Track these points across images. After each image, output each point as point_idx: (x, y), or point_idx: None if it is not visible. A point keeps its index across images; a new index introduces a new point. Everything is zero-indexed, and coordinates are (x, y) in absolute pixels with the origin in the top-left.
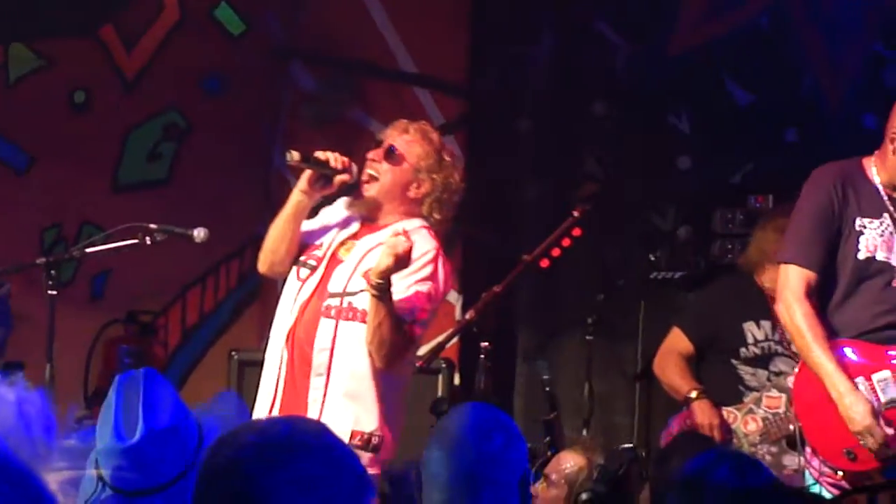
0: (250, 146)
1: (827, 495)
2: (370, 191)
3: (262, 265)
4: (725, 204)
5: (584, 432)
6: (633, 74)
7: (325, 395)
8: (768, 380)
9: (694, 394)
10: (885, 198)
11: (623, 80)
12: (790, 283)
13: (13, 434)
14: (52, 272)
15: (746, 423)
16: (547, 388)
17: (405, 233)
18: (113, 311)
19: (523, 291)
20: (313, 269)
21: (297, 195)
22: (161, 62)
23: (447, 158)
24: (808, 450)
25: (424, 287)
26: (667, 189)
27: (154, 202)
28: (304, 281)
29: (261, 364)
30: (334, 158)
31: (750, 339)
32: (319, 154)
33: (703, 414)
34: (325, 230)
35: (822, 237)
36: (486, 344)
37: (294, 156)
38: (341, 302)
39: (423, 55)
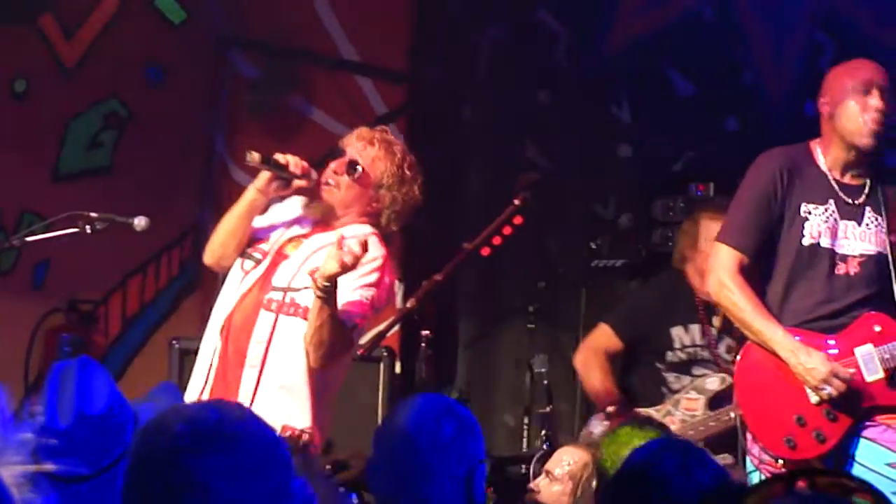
0: (191, 134)
1: None
2: (329, 197)
3: (210, 258)
4: (666, 192)
5: (525, 420)
6: (575, 63)
7: (256, 387)
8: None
9: (611, 409)
10: (832, 182)
11: (565, 69)
12: (722, 262)
13: None
14: None
15: None
16: (545, 382)
17: (362, 243)
18: (53, 300)
19: (464, 280)
20: (258, 261)
21: (253, 193)
22: (101, 51)
23: (408, 173)
24: (748, 437)
25: (368, 293)
26: (608, 177)
27: (94, 191)
28: (247, 272)
29: None
30: (294, 163)
31: (677, 344)
32: (279, 157)
33: None
34: (274, 226)
35: (761, 222)
36: (427, 332)
37: (254, 156)
38: (284, 296)
39: (365, 43)
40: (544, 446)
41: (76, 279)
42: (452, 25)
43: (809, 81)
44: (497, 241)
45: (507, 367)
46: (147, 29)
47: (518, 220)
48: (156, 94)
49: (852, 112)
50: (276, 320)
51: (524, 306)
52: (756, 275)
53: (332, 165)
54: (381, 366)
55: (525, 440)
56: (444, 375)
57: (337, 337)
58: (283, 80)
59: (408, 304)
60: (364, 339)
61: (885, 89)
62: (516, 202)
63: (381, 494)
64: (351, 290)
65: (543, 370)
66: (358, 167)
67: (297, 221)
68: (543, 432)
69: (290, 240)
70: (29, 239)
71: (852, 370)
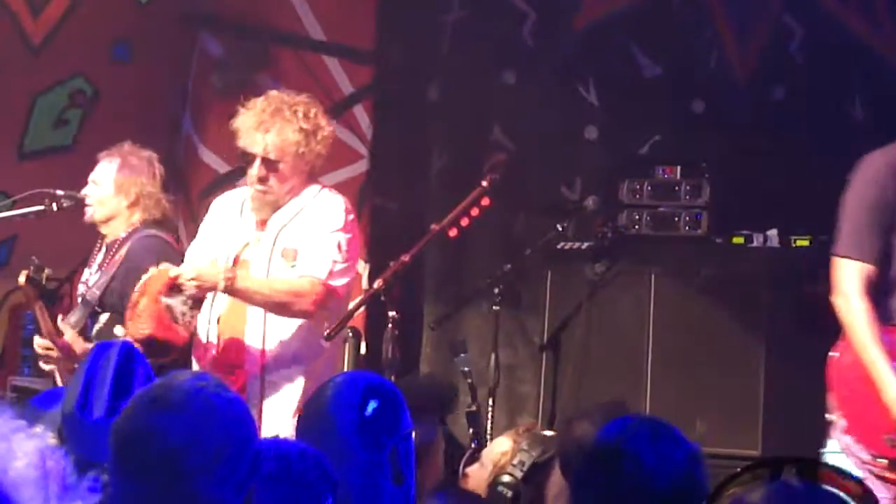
0: (158, 113)
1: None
2: (270, 199)
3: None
4: (633, 175)
5: (490, 402)
6: (542, 44)
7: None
8: None
9: None
10: None
11: (531, 50)
12: (848, 279)
13: None
14: None
15: None
16: (469, 381)
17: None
18: (18, 278)
19: (431, 261)
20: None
21: None
22: (67, 28)
23: (308, 124)
24: (849, 438)
25: (335, 241)
26: (574, 159)
27: (60, 169)
28: (212, 300)
29: None
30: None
31: None
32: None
33: None
34: (222, 238)
35: (877, 228)
36: (394, 313)
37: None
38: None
39: (331, 22)
40: (472, 444)
41: (41, 257)
42: (419, 4)
43: (778, 65)
44: (464, 222)
45: (472, 348)
46: (114, 6)
47: (485, 201)
48: (122, 72)
49: None
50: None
51: (489, 288)
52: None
53: (252, 175)
54: (347, 346)
55: (489, 422)
56: (409, 356)
57: (277, 307)
58: (250, 59)
59: (375, 285)
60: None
61: None
62: (484, 183)
63: None
64: (320, 244)
65: (467, 369)
66: (274, 163)
67: (236, 225)
68: (471, 430)
69: (245, 247)
70: None
71: None
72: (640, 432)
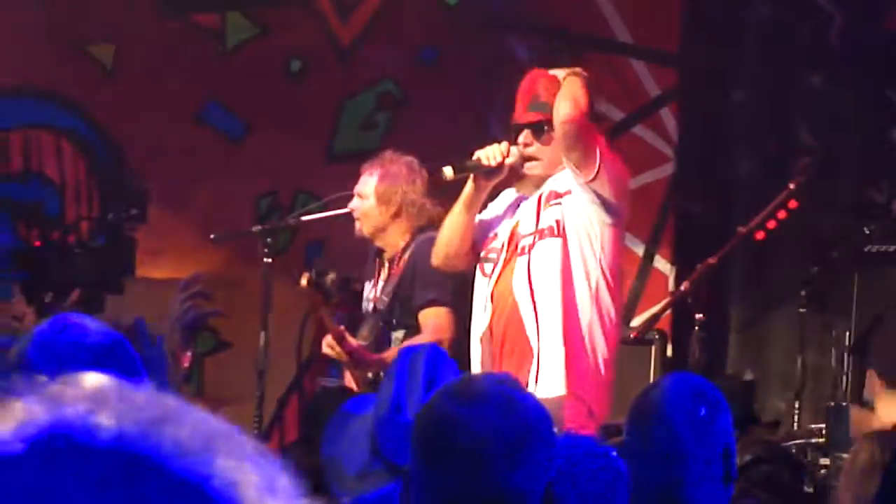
0: (465, 117)
1: None
2: (534, 170)
3: (437, 258)
4: None
5: (796, 405)
6: (848, 45)
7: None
8: None
9: None
10: None
11: (838, 51)
12: None
13: None
14: (268, 240)
15: None
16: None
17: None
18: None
19: (736, 263)
20: (495, 261)
21: (469, 188)
22: (376, 32)
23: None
24: None
25: None
26: (881, 161)
27: None
28: (489, 275)
29: None
30: (486, 157)
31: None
32: (479, 155)
33: None
34: (498, 220)
35: None
36: (700, 316)
37: (447, 173)
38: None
39: (637, 25)
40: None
41: (349, 258)
42: (724, 6)
43: None
44: (771, 224)
45: (777, 351)
46: (422, 10)
47: (793, 203)
48: (430, 75)
49: None
50: (528, 262)
51: (796, 290)
52: None
53: (522, 141)
54: (653, 349)
55: (796, 426)
56: (715, 359)
57: None
58: (557, 63)
59: (681, 288)
60: (637, 322)
61: None
62: (792, 186)
63: (634, 473)
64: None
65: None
66: (542, 127)
67: (515, 205)
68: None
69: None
70: (304, 218)
71: None
72: None
